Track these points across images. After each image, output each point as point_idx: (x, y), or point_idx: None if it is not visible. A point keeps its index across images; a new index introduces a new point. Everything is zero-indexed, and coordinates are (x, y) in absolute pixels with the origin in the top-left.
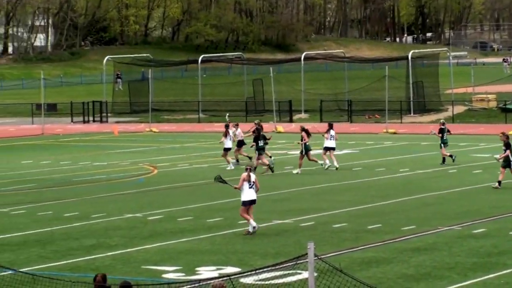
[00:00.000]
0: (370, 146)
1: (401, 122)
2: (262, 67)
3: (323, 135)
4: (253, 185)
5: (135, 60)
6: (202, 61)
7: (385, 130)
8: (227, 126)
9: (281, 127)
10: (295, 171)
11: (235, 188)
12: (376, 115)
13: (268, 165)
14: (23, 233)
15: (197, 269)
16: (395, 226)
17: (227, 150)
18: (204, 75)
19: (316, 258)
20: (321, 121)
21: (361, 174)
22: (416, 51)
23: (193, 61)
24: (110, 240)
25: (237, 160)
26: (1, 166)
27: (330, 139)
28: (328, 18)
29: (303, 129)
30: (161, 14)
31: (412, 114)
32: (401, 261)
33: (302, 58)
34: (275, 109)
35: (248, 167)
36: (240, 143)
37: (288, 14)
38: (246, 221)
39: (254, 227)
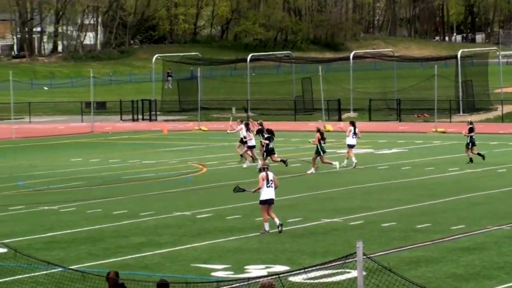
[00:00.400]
0: (419, 145)
1: (450, 121)
2: (311, 65)
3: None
4: (271, 183)
5: (184, 59)
6: (251, 60)
7: (434, 129)
8: (247, 124)
9: (329, 126)
10: (309, 171)
11: (254, 191)
12: (425, 114)
13: (283, 160)
14: (73, 230)
15: (246, 267)
16: (444, 225)
17: (251, 147)
18: (253, 74)
19: (364, 257)
20: (370, 120)
21: (410, 173)
22: (465, 50)
23: (241, 60)
24: (159, 238)
25: (253, 158)
26: (50, 163)
27: (352, 137)
28: (377, 17)
29: (318, 130)
30: (210, 13)
31: (461, 113)
32: (450, 260)
33: (351, 57)
34: (323, 108)
35: (265, 166)
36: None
37: (337, 13)
38: (273, 219)
39: (278, 225)
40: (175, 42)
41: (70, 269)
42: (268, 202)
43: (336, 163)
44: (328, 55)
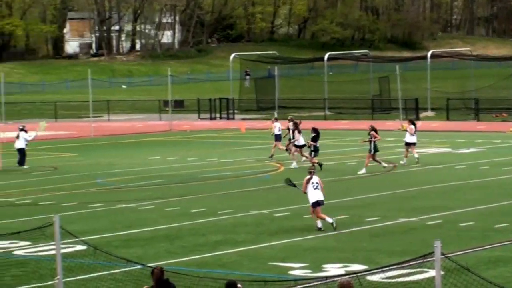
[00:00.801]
0: (497, 144)
1: None
2: (388, 64)
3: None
4: (317, 186)
5: (262, 58)
6: (328, 59)
7: None
8: (296, 124)
9: (405, 125)
10: (360, 172)
11: (304, 192)
12: (503, 114)
13: (318, 163)
14: (151, 228)
15: (323, 266)
16: None
17: (300, 147)
18: (330, 73)
19: (442, 256)
20: (448, 119)
21: (488, 172)
22: None
23: (319, 58)
24: (236, 236)
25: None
26: (129, 161)
27: (412, 135)
28: (455, 16)
29: (373, 129)
30: (287, 12)
31: None
32: None
33: (429, 56)
34: (401, 107)
35: (312, 170)
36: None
37: (415, 12)
38: (324, 220)
39: (332, 223)
40: (252, 41)
41: (149, 266)
42: (317, 204)
43: (385, 164)
44: (406, 54)
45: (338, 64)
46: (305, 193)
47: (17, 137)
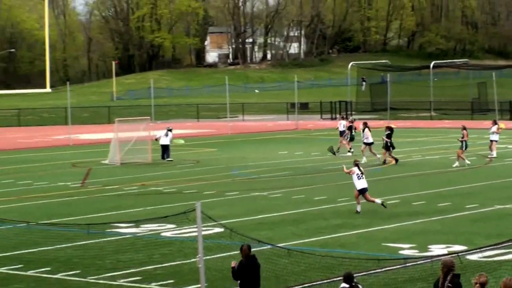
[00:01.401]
0: None
1: None
2: (486, 72)
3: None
4: (362, 176)
5: (375, 66)
6: (434, 67)
7: None
8: (365, 124)
9: (503, 124)
10: (454, 165)
11: (346, 173)
12: None
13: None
14: (280, 213)
15: (429, 247)
16: None
17: (370, 144)
18: (435, 79)
19: None
20: None
21: None
22: None
23: (425, 66)
24: (353, 221)
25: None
26: (260, 156)
27: (496, 134)
28: None
29: (464, 128)
30: (398, 26)
31: None
32: None
33: None
34: (497, 109)
35: (357, 162)
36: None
37: (509, 25)
38: (374, 202)
39: (382, 204)
40: (368, 51)
41: (278, 246)
42: (362, 192)
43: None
44: (501, 62)
45: (441, 71)
46: (345, 172)
47: (166, 134)
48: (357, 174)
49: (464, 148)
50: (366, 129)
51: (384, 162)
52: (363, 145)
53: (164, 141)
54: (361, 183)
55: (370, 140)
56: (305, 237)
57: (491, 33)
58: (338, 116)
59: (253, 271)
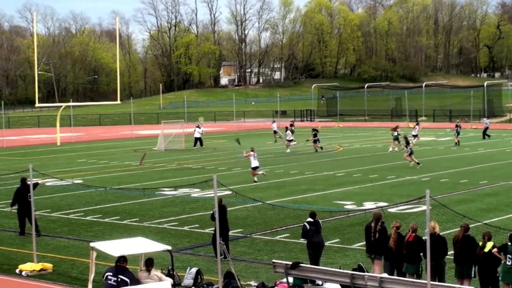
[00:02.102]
0: None
1: None
2: (401, 90)
3: None
4: (256, 158)
5: (330, 87)
6: (367, 87)
7: None
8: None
9: (412, 124)
10: (390, 150)
11: (244, 155)
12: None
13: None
14: (267, 182)
15: (363, 203)
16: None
17: (290, 141)
18: (368, 95)
19: (430, 198)
20: (434, 121)
21: None
22: (489, 81)
23: (362, 87)
24: (315, 186)
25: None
26: (255, 144)
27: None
28: (438, 63)
29: (395, 128)
30: (344, 61)
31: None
32: (479, 201)
33: (423, 86)
34: (408, 115)
35: (253, 148)
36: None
37: (416, 60)
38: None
39: (262, 173)
40: (325, 77)
41: (266, 203)
42: (255, 168)
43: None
44: (410, 84)
45: (372, 90)
46: (246, 156)
47: (194, 130)
48: (254, 156)
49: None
50: (288, 131)
51: (316, 151)
52: (286, 142)
53: (196, 135)
54: (255, 163)
55: (290, 138)
56: (283, 197)
57: (404, 65)
58: (273, 120)
59: (223, 215)
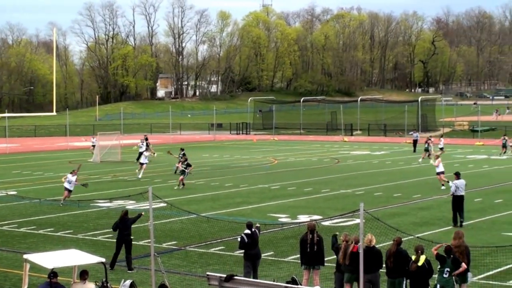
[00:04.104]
0: (396, 150)
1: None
2: (336, 104)
3: None
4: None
5: (266, 100)
6: (303, 101)
7: (404, 141)
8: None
9: (346, 138)
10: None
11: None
12: (400, 132)
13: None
14: (203, 194)
15: (298, 216)
16: (407, 195)
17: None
18: (304, 109)
19: (364, 211)
20: (369, 135)
21: (391, 165)
22: (423, 96)
23: (298, 101)
24: (249, 199)
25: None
26: (191, 157)
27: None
28: (374, 77)
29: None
30: (280, 75)
31: (419, 132)
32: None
33: (359, 100)
34: (343, 128)
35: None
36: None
37: (352, 75)
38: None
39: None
40: (261, 91)
41: (201, 215)
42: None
43: None
44: (346, 99)
45: (308, 104)
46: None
47: (142, 143)
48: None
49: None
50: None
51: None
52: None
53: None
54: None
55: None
56: (218, 210)
57: (340, 80)
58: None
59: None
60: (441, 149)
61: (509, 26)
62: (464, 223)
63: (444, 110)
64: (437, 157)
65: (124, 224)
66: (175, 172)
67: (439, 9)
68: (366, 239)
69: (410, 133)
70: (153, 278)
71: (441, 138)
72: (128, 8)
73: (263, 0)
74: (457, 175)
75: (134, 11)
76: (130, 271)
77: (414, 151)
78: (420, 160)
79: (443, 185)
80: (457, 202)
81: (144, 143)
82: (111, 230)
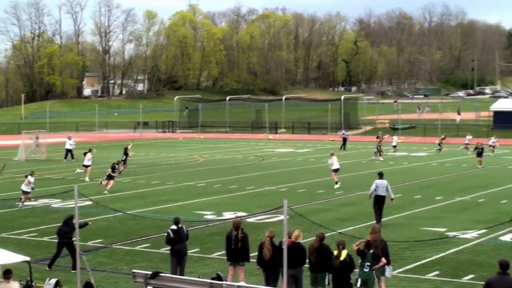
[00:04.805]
0: (319, 147)
1: (335, 134)
2: (261, 103)
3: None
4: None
5: (192, 99)
6: (229, 100)
7: (328, 139)
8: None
9: (271, 136)
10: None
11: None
12: (323, 130)
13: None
14: (129, 192)
15: (223, 213)
16: (332, 191)
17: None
18: (229, 107)
19: (288, 208)
20: (293, 133)
21: (315, 162)
22: (346, 95)
23: (223, 99)
24: (176, 197)
25: None
26: (118, 155)
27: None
28: (298, 76)
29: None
30: (206, 74)
31: (342, 130)
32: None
33: (283, 99)
34: (268, 126)
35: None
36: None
37: (277, 74)
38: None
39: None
40: (187, 89)
41: (127, 213)
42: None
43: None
44: (271, 97)
45: (234, 103)
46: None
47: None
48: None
49: None
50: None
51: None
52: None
53: (67, 146)
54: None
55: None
56: (145, 207)
57: (265, 79)
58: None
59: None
60: (394, 147)
61: (428, 27)
62: (384, 219)
63: (366, 108)
64: (332, 154)
65: (67, 227)
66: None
67: (361, 10)
68: (294, 235)
69: (342, 131)
70: (79, 276)
71: (394, 137)
72: (55, 7)
73: (189, 0)
74: (380, 175)
75: (60, 10)
76: (73, 271)
77: (343, 148)
78: (380, 158)
79: (336, 183)
80: (378, 202)
81: (72, 140)
82: (36, 228)
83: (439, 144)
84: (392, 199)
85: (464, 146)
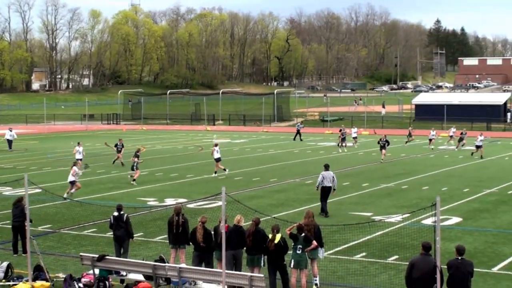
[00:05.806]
0: (254, 138)
1: (269, 126)
2: (200, 97)
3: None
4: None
5: (135, 92)
6: (169, 94)
7: (262, 130)
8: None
9: (209, 128)
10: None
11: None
12: (257, 122)
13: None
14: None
15: (165, 199)
16: (266, 179)
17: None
18: (170, 101)
19: (226, 194)
20: (230, 125)
21: (250, 152)
22: (279, 89)
23: (164, 93)
24: (121, 184)
25: None
26: (65, 146)
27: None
28: (234, 72)
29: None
30: (148, 69)
31: (275, 122)
32: (269, 197)
33: (221, 93)
34: (206, 119)
35: (75, 163)
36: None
37: (214, 70)
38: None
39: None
40: (130, 84)
41: (74, 200)
42: (72, 183)
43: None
44: (209, 91)
45: (174, 96)
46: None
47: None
48: (77, 173)
49: None
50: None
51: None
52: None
53: (7, 137)
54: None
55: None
56: (91, 195)
57: (203, 74)
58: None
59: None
60: (354, 138)
61: (354, 26)
62: (314, 204)
63: (297, 101)
64: (216, 145)
65: (19, 211)
66: (113, 163)
67: (292, 10)
68: (236, 219)
69: (297, 124)
70: (29, 259)
71: (353, 128)
72: (4, 6)
73: (131, 0)
74: (326, 167)
75: (9, 9)
76: (24, 254)
77: (300, 139)
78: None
79: (215, 172)
80: (324, 193)
81: (13, 131)
82: None
83: (409, 136)
84: (334, 190)
85: (449, 139)
